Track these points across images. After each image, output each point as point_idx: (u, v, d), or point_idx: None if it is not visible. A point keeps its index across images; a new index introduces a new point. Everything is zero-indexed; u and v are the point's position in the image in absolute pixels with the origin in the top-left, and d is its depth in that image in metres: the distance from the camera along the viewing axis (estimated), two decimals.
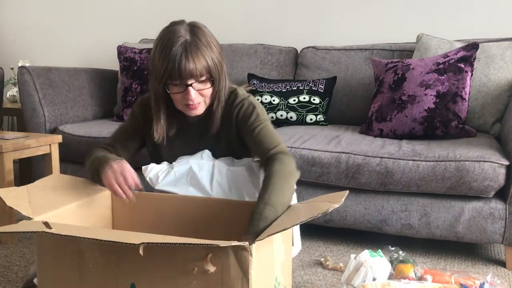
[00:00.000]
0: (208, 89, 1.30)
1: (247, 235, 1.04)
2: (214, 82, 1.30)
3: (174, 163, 1.40)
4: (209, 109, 1.37)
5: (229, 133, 1.41)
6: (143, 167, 1.40)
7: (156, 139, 1.38)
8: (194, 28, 1.28)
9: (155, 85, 1.30)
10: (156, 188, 1.35)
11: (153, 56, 1.29)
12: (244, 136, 1.39)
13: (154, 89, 1.32)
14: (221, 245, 0.81)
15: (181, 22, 1.31)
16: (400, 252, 1.56)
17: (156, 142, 1.40)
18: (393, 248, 1.58)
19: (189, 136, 1.45)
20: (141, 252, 0.81)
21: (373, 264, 1.40)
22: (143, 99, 1.46)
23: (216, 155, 1.42)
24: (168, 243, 0.81)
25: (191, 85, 1.26)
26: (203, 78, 1.27)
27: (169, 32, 1.27)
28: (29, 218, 1.05)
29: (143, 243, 0.81)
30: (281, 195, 1.16)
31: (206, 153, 1.43)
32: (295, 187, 1.37)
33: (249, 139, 1.36)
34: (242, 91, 1.43)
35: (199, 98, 1.30)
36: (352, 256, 1.46)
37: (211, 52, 1.27)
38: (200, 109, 1.33)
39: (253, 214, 1.10)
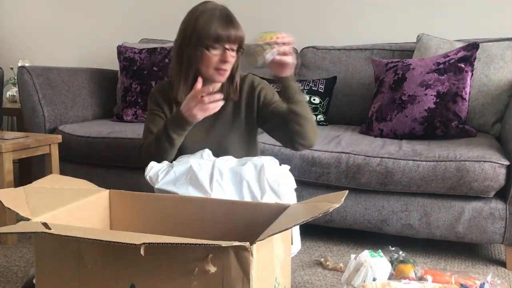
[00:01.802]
0: (234, 58, 1.45)
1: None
2: (239, 52, 1.45)
3: (174, 162, 1.40)
4: (230, 79, 1.51)
5: (250, 107, 1.54)
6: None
7: (181, 99, 1.46)
8: (223, 6, 1.45)
9: (192, 48, 1.42)
10: (155, 187, 1.35)
11: (188, 23, 1.44)
12: (265, 102, 1.53)
13: (188, 53, 1.43)
14: (222, 245, 0.81)
15: (210, 1, 1.48)
16: (400, 253, 1.56)
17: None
18: (393, 248, 1.58)
19: None
20: (142, 252, 0.81)
21: (373, 264, 1.40)
22: (161, 85, 1.59)
23: (233, 127, 1.53)
24: (169, 243, 0.81)
25: (229, 49, 1.41)
26: (235, 46, 1.43)
27: (206, 5, 1.44)
28: (27, 219, 1.04)
29: (144, 243, 0.80)
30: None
31: (206, 152, 1.43)
32: (294, 185, 1.41)
33: (274, 101, 1.53)
34: (254, 76, 1.60)
35: (229, 65, 1.44)
36: (352, 256, 1.46)
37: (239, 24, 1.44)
38: (225, 76, 1.46)
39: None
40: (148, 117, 1.57)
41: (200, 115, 1.36)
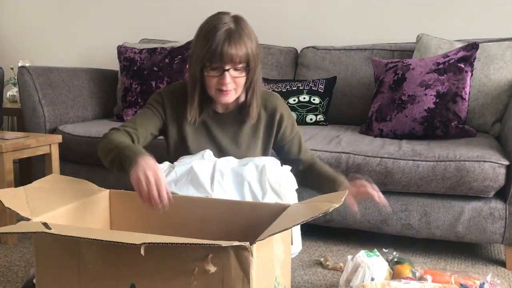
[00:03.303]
0: (242, 78, 1.36)
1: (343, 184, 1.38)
2: (249, 72, 1.37)
3: (175, 162, 1.40)
4: (244, 101, 1.45)
5: (268, 131, 1.51)
6: None
7: (189, 120, 1.43)
8: (238, 19, 1.37)
9: (194, 67, 1.37)
10: None
11: (196, 39, 1.37)
12: (283, 137, 1.52)
13: (192, 72, 1.39)
14: (222, 245, 0.81)
15: (227, 13, 1.40)
16: (394, 253, 1.56)
17: (190, 123, 1.45)
18: (386, 250, 1.58)
19: (221, 126, 1.49)
20: (142, 252, 0.81)
21: (370, 264, 1.40)
22: (173, 87, 1.51)
23: (251, 147, 1.50)
24: (169, 243, 0.81)
25: (228, 70, 1.32)
26: (240, 66, 1.34)
27: (215, 19, 1.35)
28: (28, 219, 1.04)
29: (144, 243, 0.81)
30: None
31: (207, 152, 1.43)
32: (296, 185, 1.42)
33: (290, 140, 1.53)
34: (277, 96, 1.55)
35: (232, 85, 1.35)
36: (349, 257, 1.47)
37: (251, 42, 1.35)
38: (231, 97, 1.38)
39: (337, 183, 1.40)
40: (142, 109, 1.48)
41: (138, 193, 1.15)
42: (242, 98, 1.47)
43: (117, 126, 1.41)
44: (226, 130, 1.49)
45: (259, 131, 1.50)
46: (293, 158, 1.55)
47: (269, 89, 2.38)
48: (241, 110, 1.48)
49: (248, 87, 1.41)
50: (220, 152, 1.48)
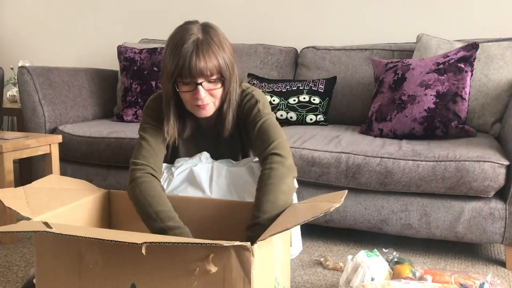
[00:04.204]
0: (218, 90, 1.28)
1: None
2: (224, 83, 1.29)
3: (172, 168, 1.40)
4: (220, 112, 1.36)
5: (243, 135, 1.42)
6: None
7: (167, 140, 1.35)
8: (206, 28, 1.28)
9: (166, 84, 1.29)
10: None
11: (164, 54, 1.28)
12: (249, 134, 1.38)
13: (165, 88, 1.30)
14: (224, 245, 0.81)
15: (195, 21, 1.30)
16: (394, 253, 1.56)
17: (168, 143, 1.38)
18: (386, 250, 1.58)
19: (204, 139, 1.45)
20: (143, 251, 0.81)
21: (370, 264, 1.40)
22: (156, 96, 1.41)
23: (233, 158, 1.42)
24: (170, 242, 0.81)
25: (201, 84, 1.24)
26: (214, 77, 1.26)
27: (182, 30, 1.27)
28: (28, 219, 1.05)
29: (145, 242, 0.81)
30: (275, 199, 1.15)
31: (205, 155, 1.43)
32: (296, 185, 1.37)
33: (251, 136, 1.36)
34: (246, 86, 1.43)
35: (208, 98, 1.28)
36: (349, 257, 1.47)
37: (223, 52, 1.26)
38: (209, 110, 1.31)
39: (249, 226, 1.12)
40: (141, 131, 1.37)
41: None
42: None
43: (139, 162, 1.29)
44: (210, 141, 1.46)
45: (235, 137, 1.44)
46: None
47: (269, 89, 2.38)
48: (218, 124, 1.40)
49: (224, 99, 1.33)
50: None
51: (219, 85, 1.28)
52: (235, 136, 1.43)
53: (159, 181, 1.30)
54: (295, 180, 1.42)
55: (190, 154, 1.46)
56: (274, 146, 1.27)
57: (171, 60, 1.24)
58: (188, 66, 1.21)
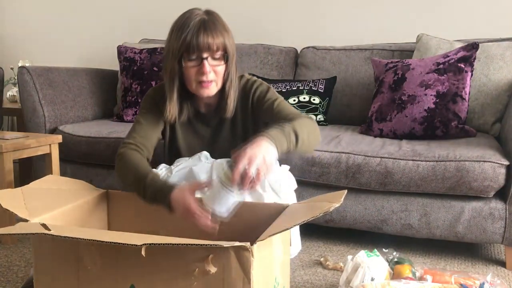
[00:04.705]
0: (221, 66, 1.33)
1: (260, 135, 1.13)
2: (228, 61, 1.33)
3: (172, 166, 1.40)
4: (222, 93, 1.40)
5: (246, 117, 1.45)
6: None
7: (168, 118, 1.39)
8: (210, 11, 1.35)
9: (170, 63, 1.33)
10: None
11: (169, 35, 1.34)
12: (262, 113, 1.42)
13: (169, 68, 1.34)
14: (223, 246, 0.81)
15: (197, 8, 1.37)
16: (394, 253, 1.56)
17: (170, 123, 1.43)
18: (386, 250, 1.58)
19: (204, 125, 1.47)
20: (143, 253, 0.81)
21: (370, 264, 1.40)
22: (157, 86, 1.47)
23: (233, 142, 1.44)
24: (170, 243, 0.81)
25: (206, 58, 1.29)
26: (219, 54, 1.31)
27: (185, 14, 1.34)
28: (26, 220, 1.04)
29: (145, 244, 0.80)
30: (285, 127, 1.21)
31: (204, 154, 1.43)
32: (295, 185, 1.38)
33: (269, 112, 1.39)
34: (250, 76, 1.49)
35: (212, 75, 1.32)
36: (349, 257, 1.47)
37: (226, 32, 1.32)
38: (211, 89, 1.34)
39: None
40: (138, 115, 1.43)
41: (182, 217, 1.15)
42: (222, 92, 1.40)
43: (127, 141, 1.36)
44: (210, 127, 1.48)
45: (237, 122, 1.46)
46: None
47: None
48: (221, 105, 1.42)
49: (226, 79, 1.37)
50: (208, 148, 1.46)
51: (222, 62, 1.33)
52: (237, 122, 1.46)
53: (143, 156, 1.34)
54: (294, 181, 1.42)
55: (189, 141, 1.47)
56: (299, 113, 1.37)
57: (177, 38, 1.30)
58: (196, 41, 1.27)
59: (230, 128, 1.47)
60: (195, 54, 1.29)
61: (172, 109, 1.38)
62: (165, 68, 1.37)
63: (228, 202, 1.07)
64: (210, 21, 1.30)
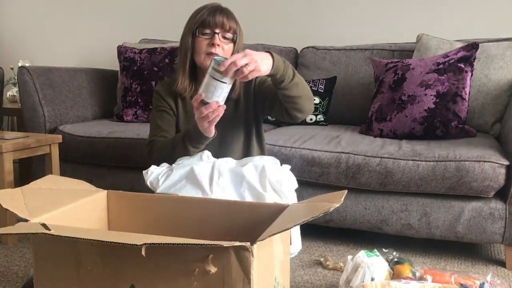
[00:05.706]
0: (229, 45, 1.50)
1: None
2: (235, 43, 1.50)
3: (173, 165, 1.40)
4: None
5: (248, 100, 1.58)
6: (143, 171, 1.40)
7: (179, 90, 1.53)
8: (222, 6, 1.53)
9: (186, 38, 1.51)
10: (157, 191, 1.35)
11: (187, 24, 1.52)
12: (264, 91, 1.54)
13: (184, 44, 1.51)
14: (223, 245, 0.81)
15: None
16: (394, 253, 1.56)
17: (182, 95, 1.56)
18: (386, 250, 1.58)
19: None
20: (143, 253, 0.81)
21: (370, 264, 1.40)
22: (164, 82, 1.64)
23: (235, 122, 1.55)
24: (170, 243, 0.81)
25: (218, 33, 1.46)
26: (229, 35, 1.49)
27: (201, 6, 1.52)
28: (26, 220, 1.04)
29: (145, 244, 0.80)
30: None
31: (206, 153, 1.43)
32: (296, 185, 1.40)
33: (270, 87, 1.50)
34: None
35: (220, 50, 1.47)
36: (349, 257, 1.47)
37: (237, 23, 1.52)
38: None
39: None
40: (154, 114, 1.59)
41: (208, 126, 1.35)
42: None
43: (150, 139, 1.56)
44: None
45: (240, 103, 1.57)
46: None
47: None
48: None
49: None
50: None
51: (231, 43, 1.50)
52: (240, 104, 1.56)
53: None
54: (295, 181, 1.42)
55: (192, 120, 1.50)
56: None
57: (194, 18, 1.49)
58: (213, 17, 1.46)
59: (233, 108, 1.56)
60: (209, 29, 1.46)
61: (184, 81, 1.52)
62: (180, 47, 1.54)
63: (223, 92, 1.27)
64: (224, 8, 1.50)
